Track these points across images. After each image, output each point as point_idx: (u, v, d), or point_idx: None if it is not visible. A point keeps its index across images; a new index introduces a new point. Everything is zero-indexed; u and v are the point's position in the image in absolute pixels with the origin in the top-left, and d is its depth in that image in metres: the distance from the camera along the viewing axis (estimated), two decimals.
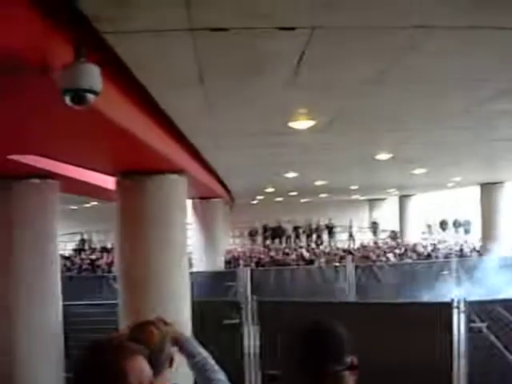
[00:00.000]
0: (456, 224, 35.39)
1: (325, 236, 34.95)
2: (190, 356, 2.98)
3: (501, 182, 18.26)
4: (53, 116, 3.68)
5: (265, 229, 35.25)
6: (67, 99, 2.84)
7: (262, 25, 3.08)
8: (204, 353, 3.01)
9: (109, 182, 8.42)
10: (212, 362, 2.98)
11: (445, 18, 3.12)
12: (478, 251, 20.66)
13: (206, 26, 3.04)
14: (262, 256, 21.60)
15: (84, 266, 19.99)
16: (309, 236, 35.09)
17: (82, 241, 32.08)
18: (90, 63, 2.85)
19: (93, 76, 2.84)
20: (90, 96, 2.85)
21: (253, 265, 18.14)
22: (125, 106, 4.26)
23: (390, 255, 19.17)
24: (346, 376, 2.26)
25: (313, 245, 32.39)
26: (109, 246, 27.68)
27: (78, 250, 29.40)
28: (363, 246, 25.91)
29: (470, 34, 3.40)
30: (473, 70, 4.39)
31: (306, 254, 20.78)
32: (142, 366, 1.94)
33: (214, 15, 2.94)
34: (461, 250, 21.93)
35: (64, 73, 2.81)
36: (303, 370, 2.29)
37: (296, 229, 35.18)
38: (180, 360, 2.97)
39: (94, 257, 23.75)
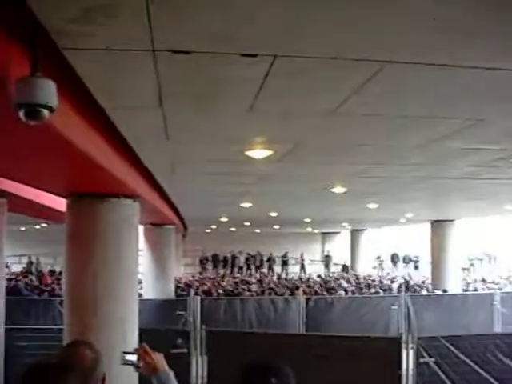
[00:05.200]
0: (406, 259, 35.91)
1: (277, 268, 35.17)
2: None
3: (451, 220, 18.62)
4: (4, 131, 3.58)
5: (214, 258, 35.38)
6: (21, 114, 2.75)
7: (224, 50, 3.06)
8: None
9: (60, 203, 8.26)
10: None
11: (407, 54, 3.16)
12: (419, 286, 20.97)
13: (167, 47, 3.00)
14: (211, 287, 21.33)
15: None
16: (259, 267, 35.32)
17: (30, 263, 31.36)
18: (46, 78, 2.78)
19: (49, 91, 2.76)
20: (45, 112, 2.77)
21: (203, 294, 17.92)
22: (81, 126, 4.17)
23: (342, 292, 19.16)
24: None
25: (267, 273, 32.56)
26: (57, 269, 27.11)
27: (25, 273, 28.63)
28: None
29: (432, 72, 3.44)
30: (432, 107, 4.46)
31: (254, 287, 20.56)
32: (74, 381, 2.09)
33: (176, 37, 2.90)
34: (407, 282, 22.20)
35: (19, 86, 2.72)
36: None
37: (247, 259, 35.37)
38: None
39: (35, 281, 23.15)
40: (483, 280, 24.76)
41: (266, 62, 3.23)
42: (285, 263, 35.49)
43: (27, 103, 2.74)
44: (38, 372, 2.07)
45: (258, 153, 6.28)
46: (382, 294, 18.44)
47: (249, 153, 6.26)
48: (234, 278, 27.54)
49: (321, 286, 20.98)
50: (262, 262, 35.68)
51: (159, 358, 3.03)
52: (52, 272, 27.80)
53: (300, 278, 27.05)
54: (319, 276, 26.66)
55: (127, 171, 6.41)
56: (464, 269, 25.86)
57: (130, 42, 2.96)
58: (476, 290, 20.19)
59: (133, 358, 2.96)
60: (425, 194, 11.62)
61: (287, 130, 5.35)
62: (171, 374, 3.03)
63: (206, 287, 19.84)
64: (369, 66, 3.35)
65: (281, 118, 4.79)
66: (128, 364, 2.90)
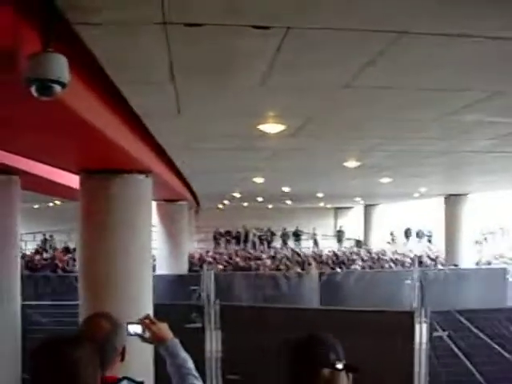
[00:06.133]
0: (419, 234, 35.87)
1: (291, 243, 35.25)
2: (170, 357, 2.95)
3: (465, 194, 18.52)
4: (17, 107, 3.57)
5: (228, 234, 35.43)
6: (33, 89, 2.75)
7: (237, 22, 3.02)
8: (185, 356, 2.97)
9: (73, 180, 8.28)
10: (191, 365, 2.95)
11: (422, 24, 3.11)
12: (434, 260, 20.94)
13: (180, 20, 2.97)
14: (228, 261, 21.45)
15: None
16: (270, 242, 35.42)
17: (45, 240, 31.63)
18: (58, 53, 2.76)
19: (60, 67, 2.75)
20: (57, 87, 2.76)
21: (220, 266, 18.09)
22: (92, 101, 4.16)
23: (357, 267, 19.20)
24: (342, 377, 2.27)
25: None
26: (71, 246, 27.33)
27: (40, 250, 28.92)
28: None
29: (446, 43, 3.39)
30: (446, 79, 4.39)
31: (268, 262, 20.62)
32: (88, 354, 2.11)
33: (188, 10, 2.87)
34: (420, 257, 22.19)
35: (31, 62, 2.71)
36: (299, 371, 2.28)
37: (260, 236, 35.47)
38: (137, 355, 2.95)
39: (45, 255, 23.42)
40: (498, 255, 24.70)
41: (279, 34, 3.19)
42: (297, 238, 35.46)
43: (39, 78, 2.73)
44: (49, 346, 2.09)
45: (271, 127, 6.24)
46: (394, 268, 18.48)
47: (261, 127, 6.22)
48: (248, 253, 27.62)
49: (333, 262, 20.95)
50: (272, 238, 35.72)
51: (164, 327, 3.03)
52: (66, 249, 28.03)
53: (314, 253, 27.03)
54: (332, 252, 26.49)
55: (139, 147, 6.40)
56: (477, 242, 25.78)
57: (141, 15, 2.93)
58: (490, 264, 20.17)
59: (138, 328, 2.95)
60: (439, 168, 11.54)
61: (300, 104, 5.30)
62: (178, 341, 3.04)
63: (219, 264, 19.96)
64: (383, 38, 3.31)
65: (293, 91, 4.75)
66: (133, 335, 2.89)
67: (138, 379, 2.75)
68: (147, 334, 2.96)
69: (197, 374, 2.95)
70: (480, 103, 5.15)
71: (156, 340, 2.96)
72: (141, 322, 2.99)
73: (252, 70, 4.04)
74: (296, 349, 2.40)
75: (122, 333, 2.82)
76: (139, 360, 3.03)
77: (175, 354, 2.96)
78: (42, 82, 2.73)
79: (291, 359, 2.39)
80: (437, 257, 22.06)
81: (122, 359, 2.76)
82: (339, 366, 2.29)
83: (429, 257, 22.53)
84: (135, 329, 2.92)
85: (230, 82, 4.42)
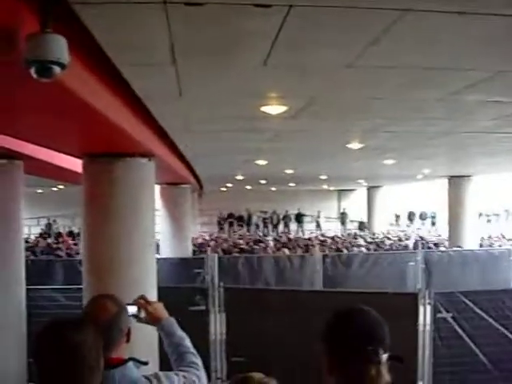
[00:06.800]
0: (423, 216, 35.88)
1: (293, 225, 35.20)
2: (167, 336, 2.97)
3: (468, 176, 18.46)
4: (17, 90, 3.54)
5: (230, 216, 35.35)
6: (32, 71, 2.72)
7: (238, 0, 2.98)
8: (182, 335, 3.00)
9: (76, 164, 8.26)
10: (188, 343, 2.98)
11: (426, 2, 3.06)
12: (436, 244, 20.90)
13: None
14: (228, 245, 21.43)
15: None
16: (276, 225, 35.33)
17: (49, 225, 31.69)
18: (57, 34, 2.73)
19: (60, 47, 2.72)
20: (57, 68, 2.73)
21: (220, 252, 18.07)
22: (94, 84, 4.13)
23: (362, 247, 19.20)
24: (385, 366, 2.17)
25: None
26: (75, 230, 27.39)
27: (44, 235, 29.01)
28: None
29: (451, 21, 3.34)
30: (451, 58, 4.34)
31: (271, 245, 20.61)
32: (91, 337, 2.10)
33: None
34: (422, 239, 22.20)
35: (29, 43, 2.68)
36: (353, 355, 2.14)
37: (265, 219, 35.38)
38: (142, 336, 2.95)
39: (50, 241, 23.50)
40: (502, 236, 24.71)
41: (281, 12, 3.14)
42: (299, 221, 35.34)
43: (38, 60, 2.70)
44: (52, 329, 2.09)
45: (273, 108, 6.21)
46: (399, 250, 18.47)
47: (264, 108, 6.18)
48: (250, 236, 27.65)
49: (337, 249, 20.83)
50: (278, 221, 35.63)
51: (159, 307, 3.04)
52: (71, 233, 28.12)
53: (315, 237, 26.98)
54: (335, 237, 26.14)
55: (142, 130, 6.37)
56: (488, 221, 25.75)
57: None
58: (491, 246, 20.16)
59: (133, 309, 2.95)
60: (443, 150, 11.49)
61: (302, 85, 5.25)
62: (174, 320, 3.04)
63: (223, 246, 19.99)
64: (387, 16, 3.25)
65: (296, 71, 4.71)
66: (129, 316, 2.88)
67: (143, 359, 2.75)
68: (142, 314, 2.97)
69: (195, 352, 2.96)
70: (484, 83, 5.09)
71: (152, 320, 2.96)
72: (136, 302, 2.99)
73: (254, 50, 3.99)
74: (343, 336, 2.20)
75: (126, 314, 2.82)
76: (144, 341, 3.03)
77: (172, 332, 2.98)
78: (42, 64, 2.70)
79: (336, 346, 2.19)
80: (436, 244, 21.70)
81: (128, 340, 2.76)
82: (385, 358, 2.17)
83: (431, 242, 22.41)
84: (131, 309, 2.92)
85: (231, 63, 4.37)
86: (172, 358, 2.97)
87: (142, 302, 2.98)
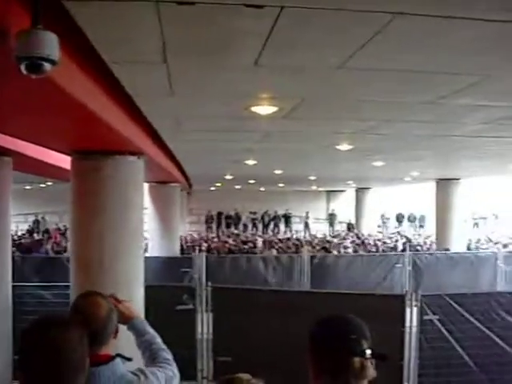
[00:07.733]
0: (411, 218, 35.96)
1: (282, 225, 35.17)
2: (138, 334, 2.99)
3: (457, 179, 18.53)
4: (7, 86, 3.53)
5: (219, 216, 35.22)
6: (23, 67, 2.71)
7: (230, 0, 2.98)
8: (153, 332, 3.02)
9: (65, 161, 8.23)
10: (159, 340, 3.00)
11: (417, 5, 3.08)
12: (420, 246, 21.02)
13: None
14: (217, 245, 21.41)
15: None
16: (267, 225, 35.26)
17: (37, 222, 31.49)
18: (47, 31, 2.72)
19: (50, 44, 2.71)
20: (47, 65, 2.72)
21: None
22: (83, 80, 4.11)
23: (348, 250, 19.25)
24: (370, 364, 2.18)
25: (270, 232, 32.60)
26: (62, 227, 27.26)
27: (31, 231, 28.85)
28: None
29: (441, 25, 3.36)
30: (440, 62, 4.37)
31: (260, 245, 20.63)
32: (77, 338, 2.05)
33: None
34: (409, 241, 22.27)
35: (20, 39, 2.67)
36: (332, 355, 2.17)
37: (254, 219, 35.30)
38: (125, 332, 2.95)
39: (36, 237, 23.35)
40: (488, 239, 24.82)
41: (273, 13, 3.15)
42: (288, 221, 35.34)
43: (28, 56, 2.69)
44: (38, 328, 2.06)
45: (264, 109, 6.21)
46: (386, 252, 18.54)
47: (254, 109, 6.18)
48: (238, 236, 27.57)
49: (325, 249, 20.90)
50: (269, 221, 35.56)
51: (130, 306, 3.03)
52: (58, 230, 27.95)
53: (303, 237, 26.94)
54: (322, 241, 26.10)
55: (131, 127, 6.35)
56: (475, 224, 25.84)
57: None
58: (477, 249, 20.27)
59: None
60: (431, 152, 11.54)
61: (293, 86, 5.26)
62: (143, 319, 3.05)
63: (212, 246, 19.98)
64: (378, 19, 3.27)
65: (286, 72, 4.71)
66: None
67: (127, 356, 2.75)
68: None
69: (166, 347, 2.98)
70: (473, 87, 5.12)
71: (122, 319, 2.95)
72: None
73: (245, 50, 4.00)
74: (325, 335, 2.23)
75: (116, 313, 2.82)
76: (128, 337, 3.02)
77: (143, 331, 2.99)
78: (32, 60, 2.69)
79: (320, 346, 2.22)
80: (425, 243, 21.75)
81: (115, 336, 2.77)
82: (369, 353, 2.18)
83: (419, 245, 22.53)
84: None
85: (222, 63, 4.37)
86: (145, 356, 2.97)
87: (112, 300, 2.96)
